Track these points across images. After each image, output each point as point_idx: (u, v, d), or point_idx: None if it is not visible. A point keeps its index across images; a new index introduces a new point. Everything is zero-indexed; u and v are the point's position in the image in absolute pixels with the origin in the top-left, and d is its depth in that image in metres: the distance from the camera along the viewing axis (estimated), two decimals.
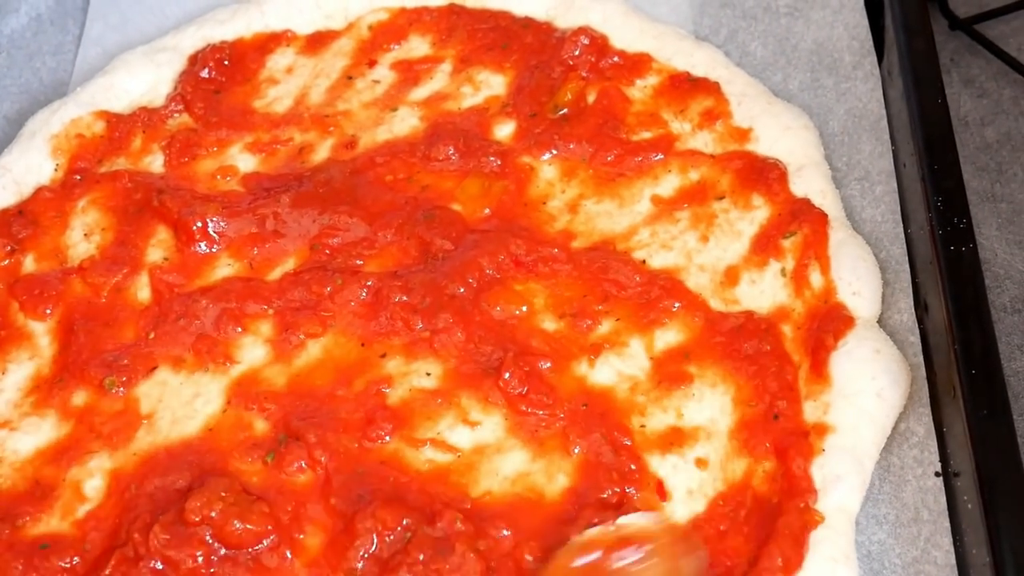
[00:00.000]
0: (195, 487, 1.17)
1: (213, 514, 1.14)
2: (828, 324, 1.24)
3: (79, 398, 1.30)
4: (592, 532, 1.12)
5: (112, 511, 1.21)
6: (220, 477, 1.18)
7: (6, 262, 1.41)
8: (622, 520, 1.12)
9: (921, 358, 1.24)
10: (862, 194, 1.38)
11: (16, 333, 1.36)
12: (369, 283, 1.34)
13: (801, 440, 1.18)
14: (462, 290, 1.33)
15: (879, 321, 1.27)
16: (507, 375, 1.24)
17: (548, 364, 1.27)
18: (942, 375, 1.20)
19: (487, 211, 1.41)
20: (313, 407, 1.26)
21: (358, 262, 1.38)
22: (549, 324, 1.31)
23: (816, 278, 1.29)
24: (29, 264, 1.42)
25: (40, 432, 1.28)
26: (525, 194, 1.43)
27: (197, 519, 1.14)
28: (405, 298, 1.33)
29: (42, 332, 1.36)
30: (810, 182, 1.37)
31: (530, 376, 1.25)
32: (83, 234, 1.43)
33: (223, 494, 1.16)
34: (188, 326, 1.34)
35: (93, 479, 1.24)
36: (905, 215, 1.34)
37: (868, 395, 1.19)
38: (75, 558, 1.18)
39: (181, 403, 1.29)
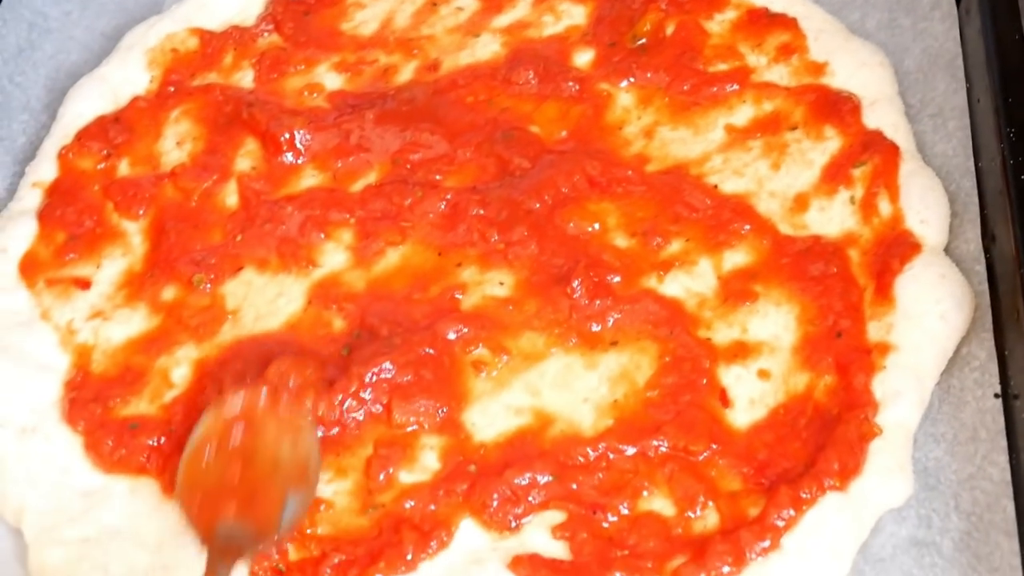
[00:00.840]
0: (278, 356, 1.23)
1: (290, 383, 1.20)
2: (895, 249, 1.27)
3: (168, 293, 1.36)
4: None
5: (197, 396, 1.27)
6: (306, 355, 1.24)
7: (102, 165, 1.48)
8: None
9: (986, 286, 1.26)
10: (934, 129, 1.40)
11: (110, 231, 1.43)
12: (448, 196, 1.39)
13: (863, 357, 1.20)
14: (537, 206, 1.37)
15: (946, 250, 1.30)
16: (575, 283, 1.29)
17: (617, 278, 1.31)
18: (1006, 301, 1.22)
19: (564, 134, 1.45)
20: (390, 308, 1.31)
21: (437, 177, 1.43)
22: (620, 241, 1.35)
23: (885, 206, 1.31)
24: (124, 168, 1.48)
25: (131, 323, 1.35)
26: (602, 119, 1.46)
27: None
28: (482, 211, 1.37)
29: (135, 231, 1.43)
30: (883, 116, 1.39)
31: (598, 287, 1.29)
32: (175, 142, 1.50)
33: (308, 372, 1.21)
34: (274, 231, 1.40)
35: (180, 367, 1.30)
36: (977, 149, 1.35)
37: (931, 317, 1.22)
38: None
39: (265, 301, 1.35)
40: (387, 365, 1.24)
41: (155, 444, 1.24)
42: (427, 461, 1.21)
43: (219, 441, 1.16)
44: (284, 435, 1.18)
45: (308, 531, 1.17)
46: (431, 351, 1.26)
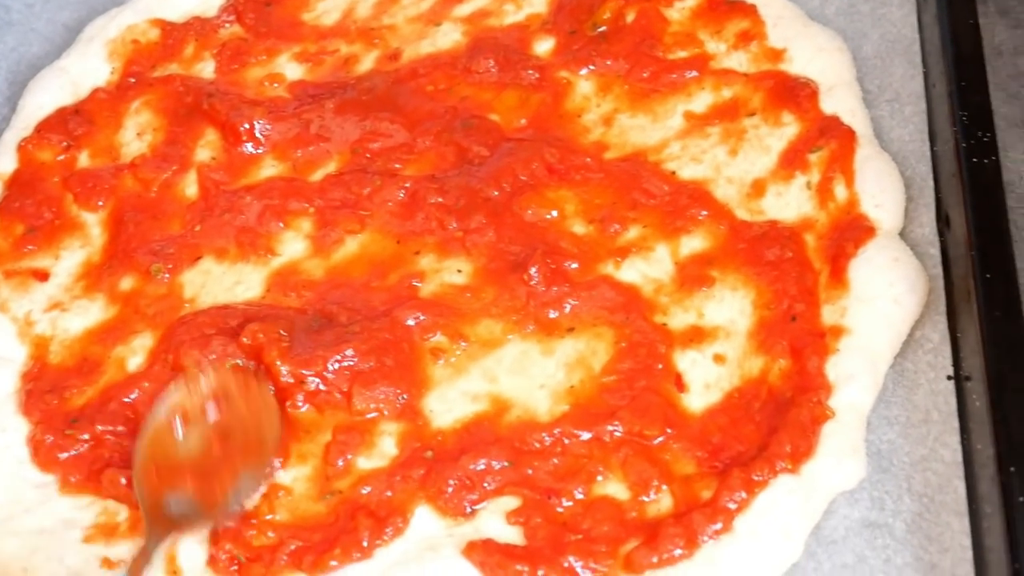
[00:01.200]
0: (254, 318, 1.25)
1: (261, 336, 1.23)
2: (850, 233, 1.27)
3: (126, 283, 1.37)
4: None
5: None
6: (282, 318, 1.25)
7: (62, 157, 1.48)
8: None
9: (940, 270, 1.26)
10: (891, 115, 1.40)
11: (70, 223, 1.43)
12: (407, 185, 1.39)
13: (817, 340, 1.21)
14: (496, 193, 1.37)
15: (901, 234, 1.30)
16: (532, 270, 1.29)
17: (575, 265, 1.31)
18: (959, 284, 1.22)
19: (523, 122, 1.46)
20: (348, 295, 1.31)
21: (397, 166, 1.43)
22: (578, 228, 1.35)
23: (840, 191, 1.32)
24: (84, 160, 1.48)
25: (89, 314, 1.35)
26: (561, 107, 1.47)
27: (247, 341, 1.23)
28: (440, 199, 1.37)
29: (94, 223, 1.43)
30: (840, 101, 1.39)
31: (555, 274, 1.29)
32: (136, 133, 1.50)
33: (281, 332, 1.23)
34: (233, 220, 1.40)
35: (136, 356, 1.30)
36: (932, 134, 1.36)
37: (885, 300, 1.22)
38: (119, 426, 1.24)
39: (223, 289, 1.35)
40: (349, 352, 1.24)
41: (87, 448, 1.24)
42: (385, 447, 1.21)
43: (184, 415, 1.19)
44: (248, 412, 1.19)
45: (267, 517, 1.17)
46: (389, 337, 1.26)
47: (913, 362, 1.22)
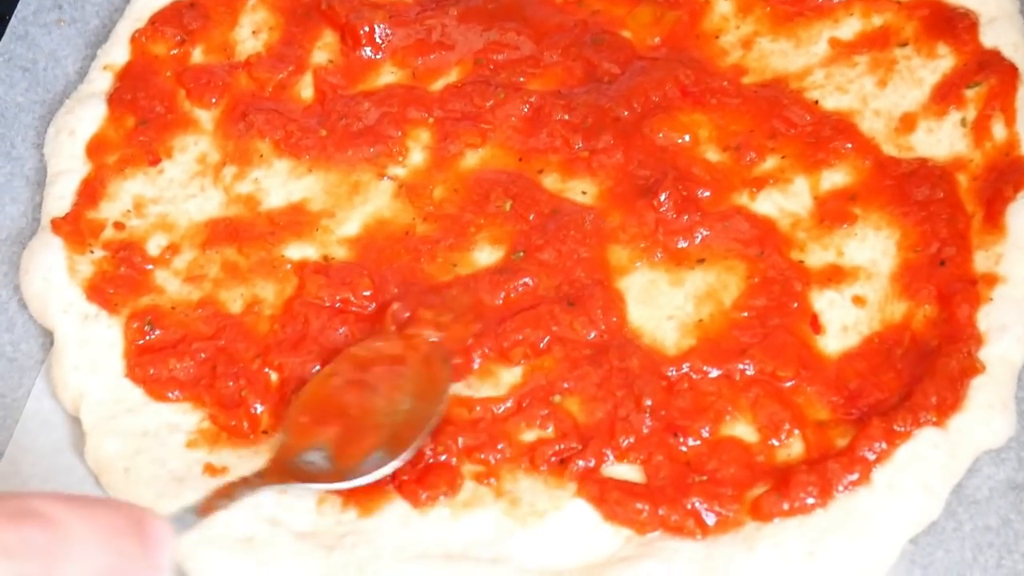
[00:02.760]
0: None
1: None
2: (1009, 175, 1.19)
3: (244, 187, 1.33)
4: None
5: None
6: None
7: (175, 51, 1.43)
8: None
9: None
10: None
11: (182, 119, 1.37)
12: (532, 99, 1.33)
13: (968, 287, 1.13)
14: (625, 113, 1.30)
15: None
16: (663, 196, 1.22)
17: (707, 193, 1.24)
18: None
19: (657, 40, 1.38)
20: None
21: (521, 79, 1.36)
22: (712, 155, 1.28)
23: (999, 130, 1.23)
24: (198, 56, 1.43)
25: (204, 210, 1.32)
26: (698, 26, 1.38)
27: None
28: (567, 117, 1.31)
29: (207, 120, 1.38)
30: (1002, 34, 1.30)
31: (687, 201, 1.22)
32: (251, 31, 1.44)
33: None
34: (349, 127, 1.34)
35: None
36: None
37: None
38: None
39: (346, 201, 1.30)
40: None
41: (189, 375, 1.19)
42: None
43: (355, 371, 1.14)
44: (417, 391, 1.13)
45: None
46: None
47: None
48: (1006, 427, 1.07)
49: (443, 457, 1.11)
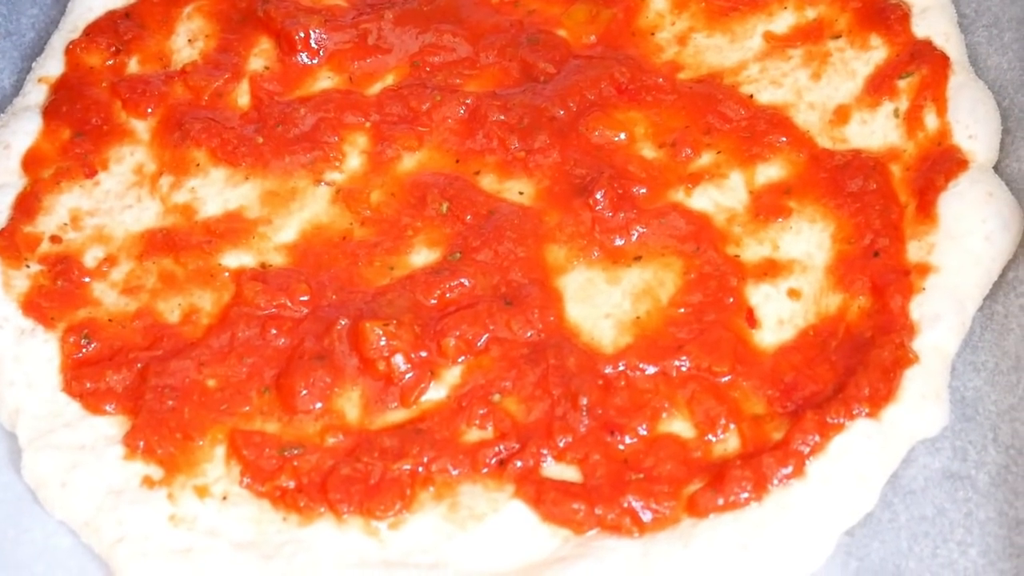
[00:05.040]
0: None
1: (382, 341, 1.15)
2: (940, 165, 1.19)
3: (182, 196, 1.32)
4: None
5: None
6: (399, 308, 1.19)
7: (111, 62, 1.42)
8: None
9: None
10: (989, 41, 1.31)
11: (118, 130, 1.37)
12: (468, 101, 1.33)
13: (901, 278, 1.13)
14: (561, 113, 1.30)
15: (996, 167, 1.22)
16: (599, 195, 1.22)
17: (643, 190, 1.24)
18: None
19: (593, 38, 1.38)
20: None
21: (458, 81, 1.36)
22: (648, 152, 1.28)
23: (931, 120, 1.23)
24: (133, 66, 1.42)
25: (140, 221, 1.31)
26: (633, 23, 1.39)
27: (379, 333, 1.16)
28: (503, 117, 1.31)
29: (143, 130, 1.37)
30: (933, 24, 1.30)
31: (623, 199, 1.22)
32: (187, 40, 1.43)
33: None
34: (286, 133, 1.33)
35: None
36: None
37: (976, 237, 1.14)
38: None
39: (286, 210, 1.30)
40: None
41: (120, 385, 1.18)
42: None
43: None
44: None
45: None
46: None
47: (1004, 305, 1.14)
48: (940, 417, 1.07)
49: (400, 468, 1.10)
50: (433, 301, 1.19)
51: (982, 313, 1.14)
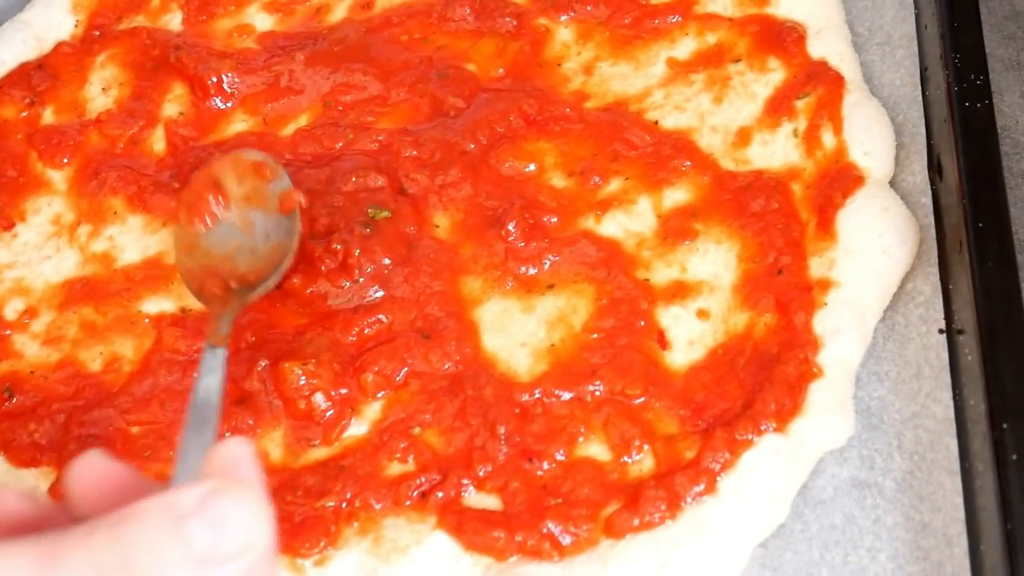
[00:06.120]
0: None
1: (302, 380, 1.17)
2: (838, 182, 1.23)
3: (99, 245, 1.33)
4: None
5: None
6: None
7: (25, 114, 1.43)
8: None
9: (932, 219, 1.22)
10: (882, 59, 1.36)
11: (34, 181, 1.38)
12: (380, 138, 1.35)
13: (804, 294, 1.17)
14: (472, 146, 1.33)
15: (892, 183, 1.26)
16: (511, 226, 1.25)
17: (555, 219, 1.27)
18: (951, 234, 1.18)
19: (501, 71, 1.41)
20: None
21: (370, 119, 1.38)
22: (558, 181, 1.31)
23: (828, 138, 1.27)
24: (48, 116, 1.43)
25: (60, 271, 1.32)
26: (540, 55, 1.42)
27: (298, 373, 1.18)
28: (415, 153, 1.33)
29: (60, 180, 1.38)
30: (828, 45, 1.34)
31: (534, 229, 1.25)
32: (101, 88, 1.45)
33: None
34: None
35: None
36: (924, 78, 1.31)
37: (874, 251, 1.18)
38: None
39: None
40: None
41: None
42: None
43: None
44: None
45: None
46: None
47: (904, 315, 1.18)
48: (845, 427, 1.11)
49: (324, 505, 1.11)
50: (352, 338, 1.21)
51: (883, 324, 1.18)
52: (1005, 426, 1.00)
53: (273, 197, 1.22)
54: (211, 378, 1.00)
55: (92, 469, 0.83)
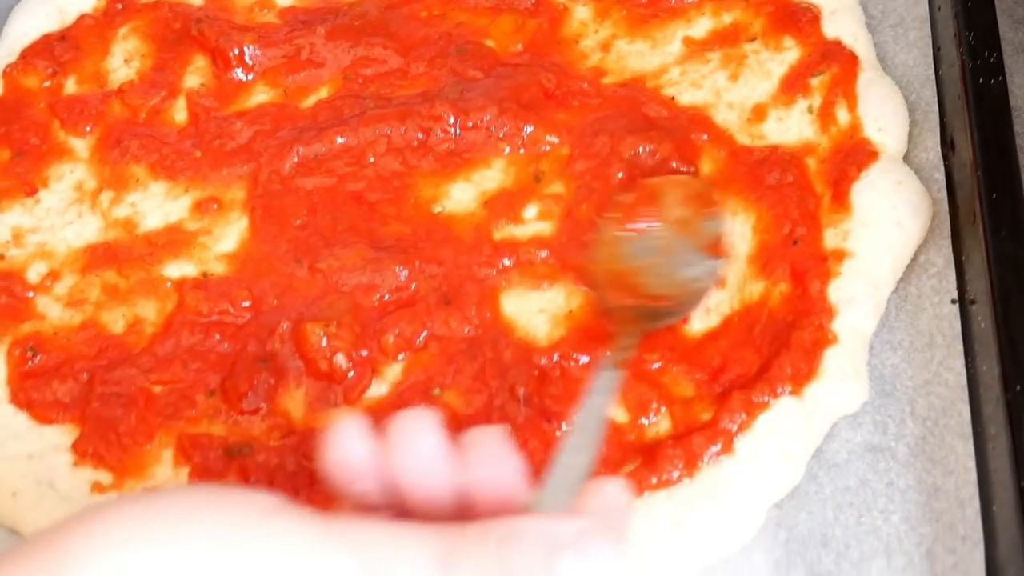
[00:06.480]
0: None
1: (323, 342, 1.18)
2: (852, 157, 1.25)
3: (121, 211, 1.34)
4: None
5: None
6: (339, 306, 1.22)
7: (48, 83, 1.44)
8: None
9: (945, 194, 1.24)
10: (895, 40, 1.38)
11: (57, 148, 1.39)
12: None
13: (819, 264, 1.19)
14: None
15: (905, 160, 1.28)
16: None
17: None
18: (964, 207, 1.20)
19: (519, 47, 1.43)
20: None
21: (389, 91, 1.40)
22: None
23: (843, 115, 1.29)
24: (70, 86, 1.45)
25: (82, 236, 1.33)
26: (558, 32, 1.44)
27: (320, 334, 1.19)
28: None
29: (82, 148, 1.40)
30: (842, 25, 1.37)
31: None
32: (123, 60, 1.46)
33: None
34: (223, 146, 1.36)
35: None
36: (937, 58, 1.34)
37: (887, 223, 1.20)
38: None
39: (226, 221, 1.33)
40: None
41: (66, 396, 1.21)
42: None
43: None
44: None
45: None
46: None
47: (917, 287, 1.20)
48: (859, 393, 1.13)
49: None
50: (375, 303, 1.22)
51: (897, 295, 1.20)
52: (1019, 388, 1.02)
53: (704, 234, 1.22)
54: (600, 399, 1.02)
55: (353, 443, 0.88)
